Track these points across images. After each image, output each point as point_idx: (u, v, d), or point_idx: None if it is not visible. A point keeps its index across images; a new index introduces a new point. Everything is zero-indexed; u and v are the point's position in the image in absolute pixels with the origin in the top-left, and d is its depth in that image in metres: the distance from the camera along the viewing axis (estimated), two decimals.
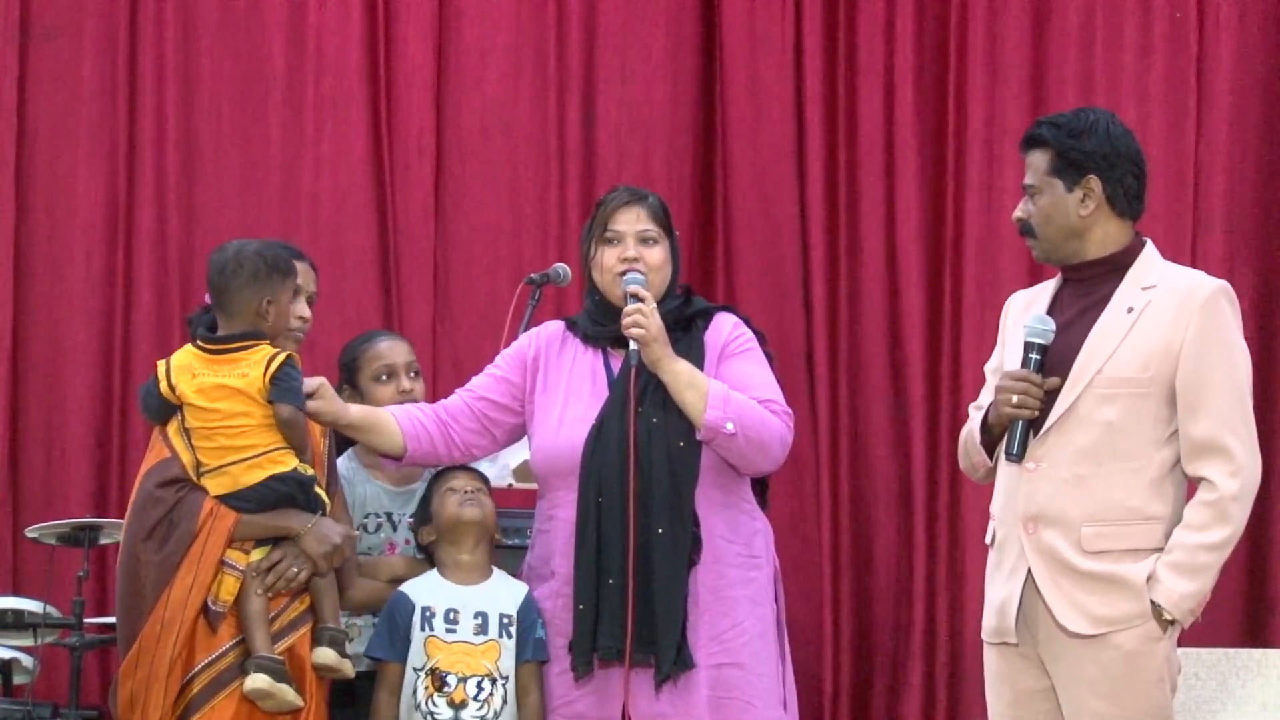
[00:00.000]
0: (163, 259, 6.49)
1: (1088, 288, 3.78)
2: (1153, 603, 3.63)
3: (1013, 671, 3.79)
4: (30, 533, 5.88)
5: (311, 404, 3.98)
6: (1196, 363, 3.66)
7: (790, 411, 4.10)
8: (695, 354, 4.08)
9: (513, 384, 4.19)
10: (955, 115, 6.31)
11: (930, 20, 6.36)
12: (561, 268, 4.89)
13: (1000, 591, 3.77)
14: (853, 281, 6.35)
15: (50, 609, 5.88)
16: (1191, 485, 3.70)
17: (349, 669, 3.95)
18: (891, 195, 6.36)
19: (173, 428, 3.92)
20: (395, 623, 4.09)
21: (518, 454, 4.67)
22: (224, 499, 3.86)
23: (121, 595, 3.91)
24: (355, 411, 4.13)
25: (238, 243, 4.01)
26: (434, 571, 4.17)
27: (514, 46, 6.53)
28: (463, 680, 4.06)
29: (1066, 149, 3.74)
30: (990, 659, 3.84)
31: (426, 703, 4.04)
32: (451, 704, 4.04)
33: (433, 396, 4.55)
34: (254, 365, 3.88)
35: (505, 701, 4.06)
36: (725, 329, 4.16)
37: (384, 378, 4.41)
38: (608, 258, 4.11)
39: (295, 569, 3.88)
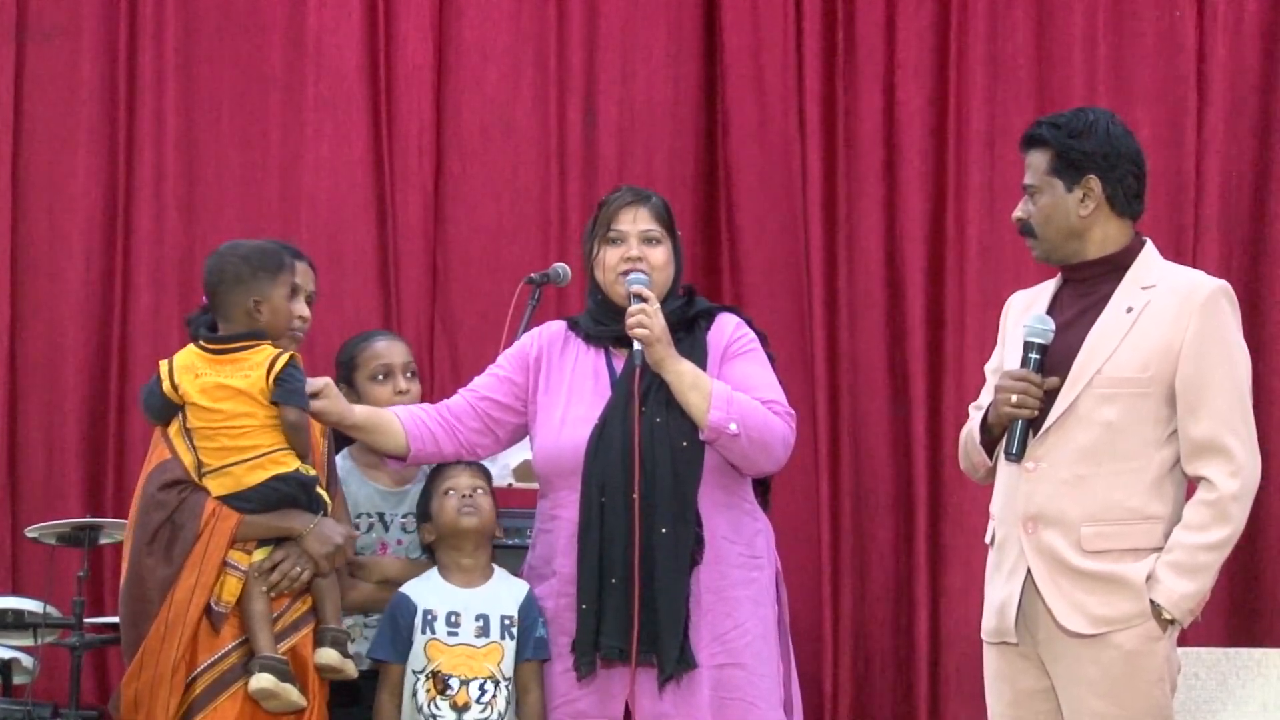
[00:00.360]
0: (162, 259, 6.48)
1: (1087, 288, 3.78)
2: (1152, 602, 3.63)
3: (1013, 671, 3.79)
4: (30, 533, 5.88)
5: (316, 404, 3.98)
6: (1196, 362, 3.66)
7: (793, 412, 4.10)
8: (698, 354, 4.08)
9: (515, 384, 4.19)
10: (955, 115, 6.31)
11: (930, 20, 6.36)
12: (561, 267, 4.88)
13: (1000, 591, 3.77)
14: (853, 281, 6.35)
15: (50, 609, 5.87)
16: (1191, 485, 3.70)
17: (352, 669, 3.95)
18: (892, 195, 6.36)
19: (174, 428, 3.91)
20: (397, 624, 4.09)
21: (518, 453, 4.66)
22: (226, 499, 3.86)
23: (126, 600, 3.90)
24: (360, 412, 4.13)
25: (228, 244, 4.01)
26: (434, 572, 4.17)
27: (514, 46, 6.52)
28: (465, 683, 4.05)
29: (1066, 149, 3.74)
30: (990, 659, 3.84)
31: (429, 705, 4.04)
32: (454, 707, 4.04)
33: (433, 396, 4.55)
34: (256, 366, 3.88)
35: (509, 703, 4.06)
36: (728, 329, 4.16)
37: (380, 377, 4.41)
38: (610, 258, 4.11)
39: (297, 569, 3.88)
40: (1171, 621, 3.64)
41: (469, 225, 6.52)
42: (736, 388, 4.03)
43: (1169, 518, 3.67)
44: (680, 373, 4.01)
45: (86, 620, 5.74)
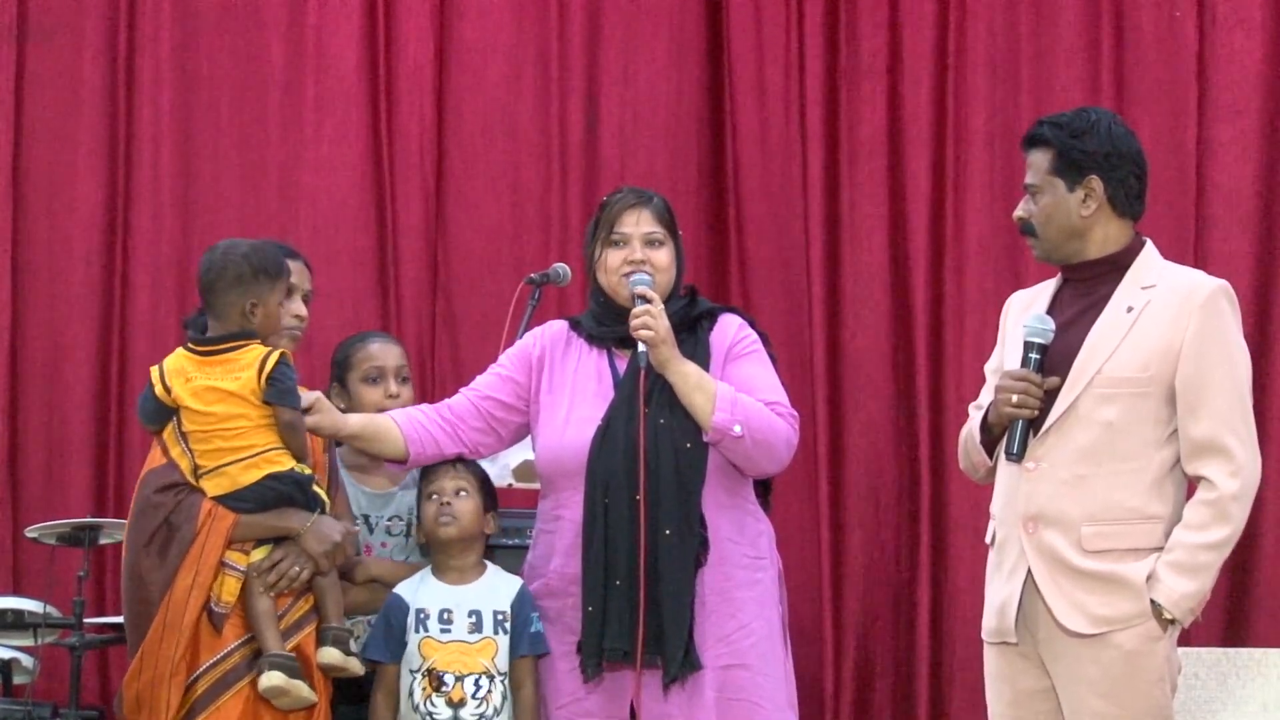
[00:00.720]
0: (161, 259, 6.48)
1: (1088, 287, 3.78)
2: (1153, 602, 3.63)
3: (1013, 671, 3.79)
4: (30, 533, 5.87)
5: (309, 419, 3.97)
6: (1196, 362, 3.66)
7: (796, 414, 4.10)
8: (701, 355, 4.08)
9: (518, 383, 4.19)
10: (956, 115, 6.30)
11: (931, 20, 6.35)
12: (561, 267, 4.88)
13: (1000, 591, 3.77)
14: (854, 281, 6.34)
15: (50, 609, 5.87)
16: (1191, 485, 3.70)
17: (355, 667, 3.95)
18: (893, 195, 6.35)
19: (169, 432, 3.91)
20: (390, 625, 4.09)
21: (518, 453, 4.66)
22: (222, 499, 3.86)
23: (128, 603, 3.90)
24: (355, 421, 4.12)
25: (227, 243, 3.99)
26: (428, 571, 4.18)
27: (515, 46, 6.52)
28: (460, 679, 4.06)
29: (1068, 149, 3.74)
30: (990, 659, 3.84)
31: (425, 703, 4.04)
32: (450, 703, 4.04)
33: (433, 396, 4.55)
34: (247, 366, 3.86)
35: (505, 698, 4.07)
36: (730, 330, 4.16)
37: (372, 380, 4.40)
38: (613, 260, 4.11)
39: (296, 568, 3.88)
40: (1172, 621, 3.64)
41: (469, 225, 6.51)
42: (739, 389, 4.03)
43: (1169, 518, 3.67)
44: (684, 374, 4.00)
45: (87, 620, 5.74)
